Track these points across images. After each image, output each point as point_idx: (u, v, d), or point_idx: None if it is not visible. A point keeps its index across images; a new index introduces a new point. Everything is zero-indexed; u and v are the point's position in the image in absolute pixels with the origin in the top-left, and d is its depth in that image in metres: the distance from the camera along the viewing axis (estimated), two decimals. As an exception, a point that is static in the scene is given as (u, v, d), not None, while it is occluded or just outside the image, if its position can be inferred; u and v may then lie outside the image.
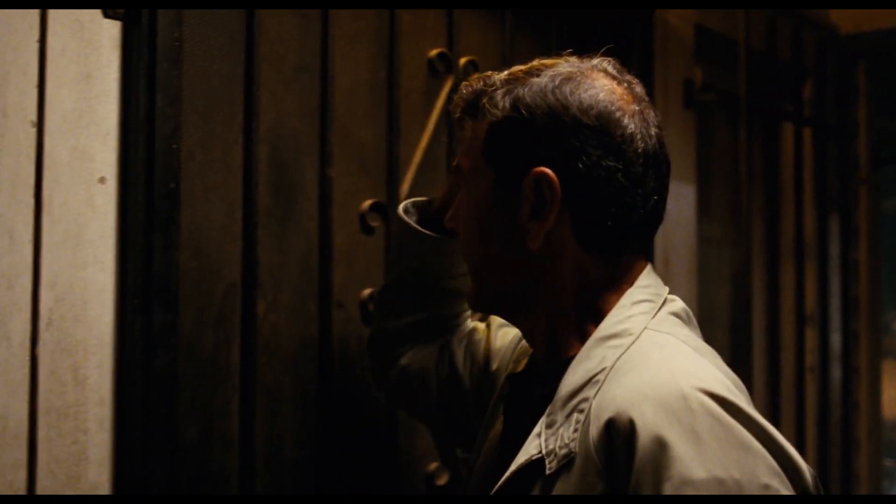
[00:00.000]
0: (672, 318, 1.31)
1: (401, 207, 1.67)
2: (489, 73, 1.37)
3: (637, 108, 1.31)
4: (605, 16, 2.57)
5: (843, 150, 3.74)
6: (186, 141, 1.66)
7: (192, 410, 1.69)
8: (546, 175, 1.27)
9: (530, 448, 1.24)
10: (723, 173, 3.29)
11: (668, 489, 1.09)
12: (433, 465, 2.08)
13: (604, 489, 1.15)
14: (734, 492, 1.08)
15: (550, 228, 1.29)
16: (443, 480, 2.07)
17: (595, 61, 1.35)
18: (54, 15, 1.52)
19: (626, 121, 1.29)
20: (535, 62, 1.35)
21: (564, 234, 1.30)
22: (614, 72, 1.35)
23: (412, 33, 2.08)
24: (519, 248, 1.32)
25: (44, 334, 1.50)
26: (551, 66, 1.33)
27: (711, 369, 1.21)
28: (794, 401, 3.43)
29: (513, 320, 1.45)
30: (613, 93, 1.31)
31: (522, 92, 1.30)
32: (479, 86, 1.36)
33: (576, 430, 1.19)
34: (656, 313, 1.29)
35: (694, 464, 1.09)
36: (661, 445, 1.11)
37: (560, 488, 1.19)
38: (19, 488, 1.47)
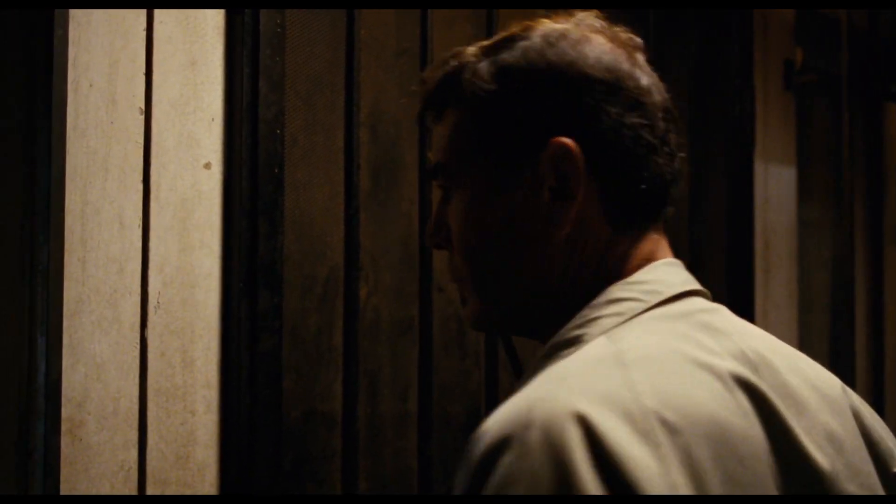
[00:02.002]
0: (659, 321, 1.01)
1: None
2: (459, 48, 1.13)
3: (642, 58, 1.12)
4: (703, -5, 2.53)
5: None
6: (290, 126, 1.67)
7: (296, 392, 1.71)
8: (563, 145, 1.04)
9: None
10: (823, 155, 3.22)
11: None
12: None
13: None
14: None
15: (581, 208, 1.06)
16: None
17: (581, 15, 1.13)
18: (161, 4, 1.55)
19: (637, 72, 1.09)
20: (516, 27, 1.12)
21: (593, 213, 1.07)
22: (607, 25, 1.13)
23: (511, 15, 2.07)
24: (543, 240, 1.07)
25: (153, 317, 1.53)
26: (538, 26, 1.11)
27: (610, 382, 0.90)
28: (897, 387, 3.35)
29: (531, 334, 1.15)
30: (616, 44, 1.11)
31: (512, 57, 1.08)
32: (453, 64, 1.12)
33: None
34: (641, 314, 1.01)
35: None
36: (486, 466, 0.88)
37: None
38: (130, 468, 1.51)
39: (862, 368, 3.20)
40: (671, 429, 0.87)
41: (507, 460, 0.85)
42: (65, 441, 1.42)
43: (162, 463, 1.54)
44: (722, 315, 1.04)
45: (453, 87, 1.11)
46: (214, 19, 1.61)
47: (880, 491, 1.02)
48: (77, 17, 1.45)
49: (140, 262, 1.53)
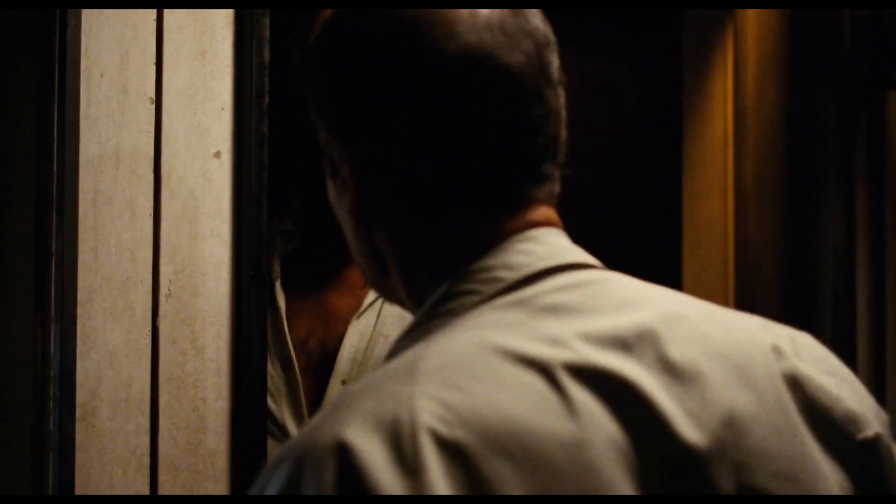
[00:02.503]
0: (491, 313, 0.89)
1: None
2: None
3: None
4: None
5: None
6: (298, 115, 1.69)
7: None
8: (325, 138, 1.05)
9: None
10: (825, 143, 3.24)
11: None
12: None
13: None
14: None
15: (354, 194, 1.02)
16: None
17: None
18: (171, -7, 1.56)
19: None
20: None
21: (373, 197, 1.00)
22: None
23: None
24: (350, 222, 1.07)
25: (164, 305, 1.55)
26: None
27: (395, 400, 0.79)
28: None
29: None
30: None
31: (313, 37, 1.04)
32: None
33: None
34: (475, 307, 0.90)
35: None
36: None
37: None
38: (143, 454, 1.52)
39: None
40: (452, 450, 0.77)
41: (276, 479, 0.78)
42: (78, 428, 1.44)
43: (173, 449, 1.56)
44: (598, 288, 0.91)
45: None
46: (223, 10, 1.62)
47: (805, 464, 0.88)
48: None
49: (151, 250, 1.54)
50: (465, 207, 0.94)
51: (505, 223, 0.94)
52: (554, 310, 0.87)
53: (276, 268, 1.69)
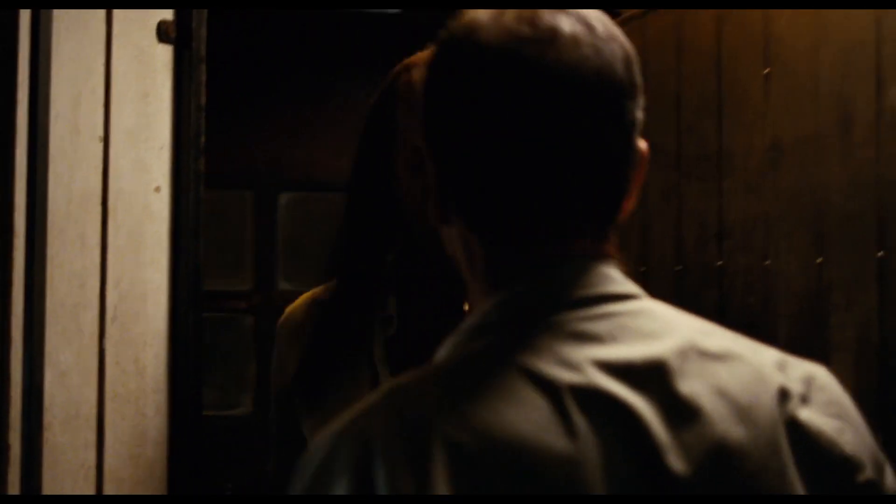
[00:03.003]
0: (522, 332, 0.99)
1: None
2: None
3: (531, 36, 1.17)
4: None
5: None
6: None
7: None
8: (417, 145, 1.12)
9: None
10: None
11: None
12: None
13: None
14: None
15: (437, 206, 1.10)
16: None
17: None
18: (118, 41, 1.69)
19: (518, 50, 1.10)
20: None
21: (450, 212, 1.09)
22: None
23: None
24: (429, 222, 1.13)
25: (110, 328, 1.68)
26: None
27: (415, 404, 0.93)
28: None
29: None
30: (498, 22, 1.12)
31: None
32: None
33: None
34: (513, 324, 1.01)
35: None
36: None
37: None
38: (90, 466, 1.65)
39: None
40: (454, 449, 0.87)
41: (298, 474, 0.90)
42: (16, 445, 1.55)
43: (117, 462, 1.68)
44: (625, 320, 0.98)
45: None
46: (164, 56, 1.76)
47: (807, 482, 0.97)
48: (45, 53, 1.58)
49: (99, 277, 1.66)
50: (528, 229, 0.98)
51: (561, 249, 1.00)
52: (579, 337, 0.93)
53: (379, 352, 1.58)
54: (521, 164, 0.95)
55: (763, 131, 2.20)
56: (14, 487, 1.53)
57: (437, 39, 0.98)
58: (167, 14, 1.76)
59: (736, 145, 2.29)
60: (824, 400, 0.98)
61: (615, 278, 0.98)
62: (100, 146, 1.67)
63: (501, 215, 0.97)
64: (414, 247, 1.47)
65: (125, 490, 1.69)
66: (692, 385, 0.93)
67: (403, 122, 1.40)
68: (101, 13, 1.67)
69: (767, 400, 0.95)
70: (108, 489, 1.67)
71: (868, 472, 0.96)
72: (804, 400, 0.97)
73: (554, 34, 0.93)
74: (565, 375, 0.89)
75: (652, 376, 0.92)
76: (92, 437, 1.66)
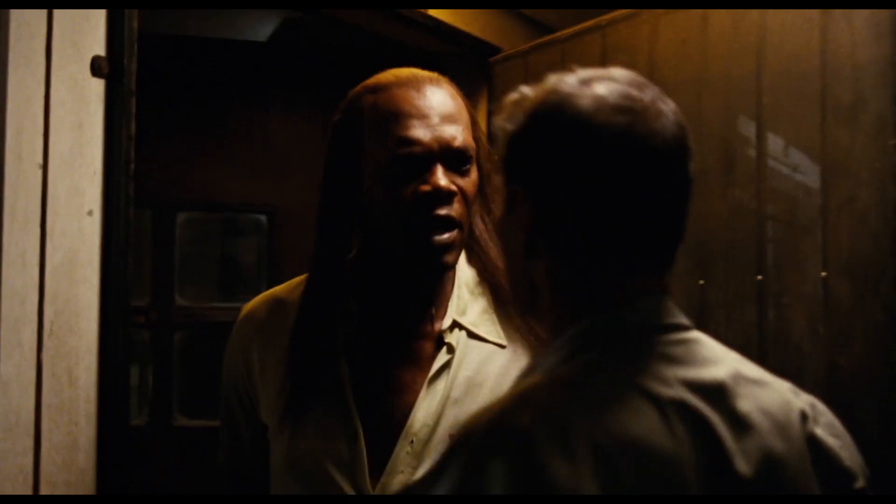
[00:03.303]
0: (624, 352, 1.19)
1: None
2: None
3: (630, 114, 1.26)
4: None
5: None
6: (160, 180, 1.97)
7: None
8: (517, 191, 1.28)
9: None
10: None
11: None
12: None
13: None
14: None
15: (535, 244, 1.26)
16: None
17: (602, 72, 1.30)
18: (56, 75, 1.82)
19: (614, 122, 1.22)
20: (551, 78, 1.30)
21: (546, 251, 1.26)
22: (622, 84, 1.26)
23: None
24: (517, 257, 1.31)
25: (47, 342, 1.79)
26: (555, 80, 1.30)
27: (553, 403, 1.11)
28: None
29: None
30: (601, 101, 1.24)
31: (519, 107, 1.29)
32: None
33: None
34: (613, 343, 1.21)
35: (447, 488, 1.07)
36: (447, 460, 1.10)
37: None
38: (28, 472, 1.76)
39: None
40: (595, 446, 1.05)
41: (462, 454, 1.05)
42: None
43: (52, 467, 1.80)
44: (692, 346, 1.18)
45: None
46: (97, 89, 1.89)
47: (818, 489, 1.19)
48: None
49: (38, 294, 1.78)
50: (613, 265, 1.17)
51: (636, 283, 1.18)
52: (667, 358, 1.14)
53: (340, 343, 1.67)
54: (622, 217, 1.15)
55: None
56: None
57: (534, 105, 1.18)
58: (101, 50, 1.89)
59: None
60: (826, 422, 1.24)
61: (677, 310, 1.19)
62: (39, 172, 1.79)
63: (601, 255, 1.16)
64: (375, 250, 1.65)
65: (58, 493, 1.81)
66: (744, 404, 1.15)
67: (370, 141, 1.58)
68: (41, 48, 1.79)
69: (794, 419, 1.20)
70: (44, 492, 1.78)
71: (861, 482, 1.22)
72: (815, 421, 1.22)
73: (644, 107, 1.16)
74: (664, 390, 1.10)
75: (718, 395, 1.14)
76: (30, 443, 1.77)
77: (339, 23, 3.06)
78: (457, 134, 1.57)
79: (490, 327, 1.69)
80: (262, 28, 3.85)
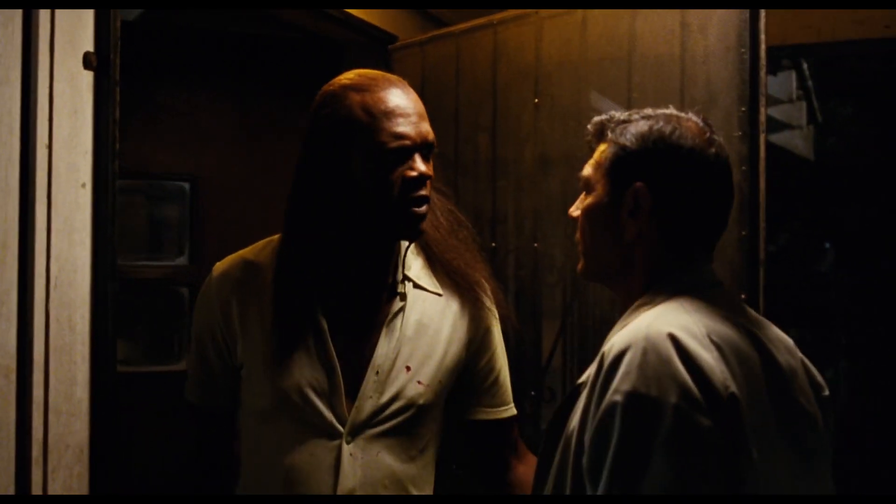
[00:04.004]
0: (696, 296, 1.62)
1: None
2: (613, 112, 1.80)
3: (714, 137, 1.73)
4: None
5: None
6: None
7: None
8: (641, 187, 1.66)
9: (582, 377, 1.64)
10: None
11: (609, 397, 1.45)
12: None
13: (586, 397, 1.53)
14: (642, 401, 1.41)
15: (642, 224, 1.66)
16: None
17: (681, 113, 1.74)
18: (57, 69, 2.15)
19: (710, 149, 1.69)
20: (645, 110, 1.75)
21: (652, 230, 1.67)
22: (698, 120, 1.73)
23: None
24: (616, 236, 1.70)
25: (52, 294, 2.14)
26: (654, 113, 1.73)
27: (684, 320, 1.53)
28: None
29: (611, 288, 1.81)
30: (697, 129, 1.70)
31: (642, 128, 1.69)
32: (605, 118, 1.78)
33: (596, 361, 1.56)
34: (679, 294, 1.63)
35: (626, 379, 1.44)
36: (616, 363, 1.47)
37: (578, 403, 1.58)
38: (40, 402, 2.10)
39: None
40: (716, 345, 1.49)
41: (628, 357, 1.45)
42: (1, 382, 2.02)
43: (57, 398, 2.15)
44: (730, 295, 1.73)
45: (601, 133, 1.77)
46: (88, 80, 2.23)
47: (812, 400, 1.65)
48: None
49: (45, 254, 2.13)
50: (699, 244, 1.69)
51: (706, 256, 1.70)
52: (726, 300, 1.65)
53: (321, 312, 2.05)
54: (711, 213, 1.68)
55: (534, 147, 2.86)
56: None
57: (650, 131, 1.67)
58: (90, 46, 2.23)
59: (509, 156, 2.95)
60: (796, 350, 1.72)
61: (715, 274, 1.73)
62: (46, 152, 2.13)
63: (694, 236, 1.68)
64: (354, 221, 2.01)
65: (62, 419, 2.16)
66: (770, 331, 1.67)
67: (362, 135, 1.93)
68: (47, 47, 2.13)
69: (793, 346, 1.69)
70: (52, 419, 2.14)
71: (826, 392, 1.70)
72: (797, 350, 1.71)
73: (712, 137, 1.69)
74: (733, 316, 1.60)
75: (758, 323, 1.66)
76: (41, 378, 2.12)
77: (260, 13, 3.42)
78: (430, 129, 1.99)
79: (428, 280, 2.13)
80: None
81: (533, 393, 2.86)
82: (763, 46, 2.34)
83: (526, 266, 2.88)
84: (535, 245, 2.87)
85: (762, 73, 2.33)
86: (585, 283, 2.76)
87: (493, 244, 2.99)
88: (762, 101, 2.32)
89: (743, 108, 2.34)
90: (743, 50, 2.37)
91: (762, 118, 2.32)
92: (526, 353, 2.80)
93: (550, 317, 2.88)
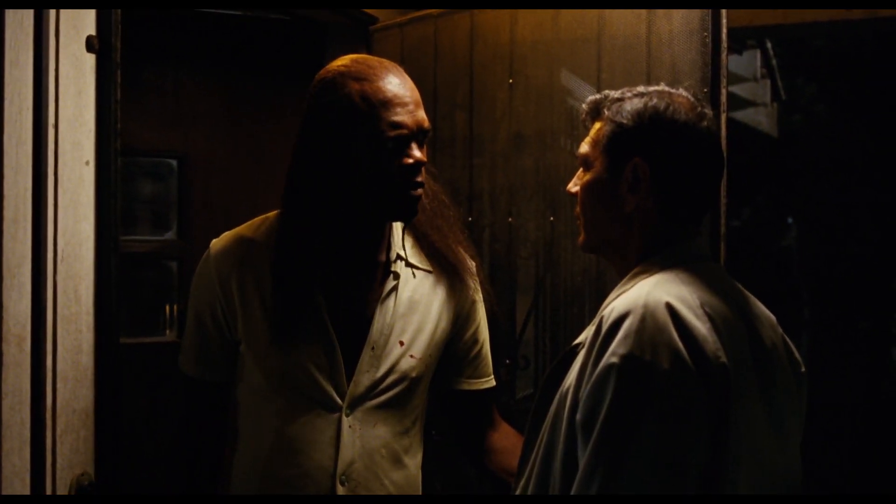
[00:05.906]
0: (689, 267, 1.68)
1: None
2: (607, 91, 1.86)
3: (705, 112, 1.79)
4: None
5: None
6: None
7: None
8: (641, 163, 1.72)
9: (579, 338, 1.72)
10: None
11: (607, 358, 1.50)
12: None
13: (583, 357, 1.59)
14: (637, 365, 1.47)
15: (641, 199, 1.72)
16: None
17: (672, 89, 1.81)
18: (63, 52, 2.27)
19: (701, 123, 1.74)
20: (637, 87, 1.82)
21: (650, 204, 1.73)
22: (689, 95, 1.80)
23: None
24: (616, 210, 1.75)
25: (60, 267, 2.27)
26: (647, 90, 1.80)
27: (680, 290, 1.59)
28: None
29: (609, 259, 1.86)
30: (689, 104, 1.76)
31: (631, 106, 1.75)
32: (600, 97, 1.83)
33: (593, 323, 1.63)
34: (678, 265, 1.69)
35: (624, 343, 1.49)
36: (615, 327, 1.52)
37: (574, 362, 1.64)
38: (49, 368, 2.24)
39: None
40: (709, 316, 1.55)
41: (627, 322, 1.51)
42: (11, 351, 2.15)
43: (64, 366, 2.28)
44: (717, 268, 1.77)
45: (597, 110, 1.81)
46: (91, 62, 2.35)
47: (790, 376, 1.71)
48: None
49: (53, 229, 2.25)
50: (692, 216, 1.76)
51: (696, 228, 1.77)
52: (715, 273, 1.72)
53: (323, 291, 2.14)
54: (704, 185, 1.75)
55: (508, 125, 2.98)
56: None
57: (645, 108, 1.73)
58: (92, 30, 2.36)
59: (485, 133, 3.07)
60: (778, 326, 1.80)
61: (704, 248, 1.81)
62: (53, 131, 2.25)
63: (689, 209, 1.74)
64: (353, 203, 2.11)
65: (69, 385, 2.30)
66: (752, 307, 1.73)
67: (362, 123, 2.02)
68: (52, 31, 2.25)
69: (775, 323, 1.77)
70: (59, 385, 2.27)
71: (803, 368, 1.76)
72: (778, 326, 1.80)
73: (703, 111, 1.76)
74: (730, 294, 1.67)
75: (743, 298, 1.73)
76: (51, 346, 2.25)
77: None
78: (425, 116, 2.10)
79: (418, 258, 2.27)
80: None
81: (508, 361, 3.00)
82: (724, 30, 2.48)
83: (501, 240, 3.01)
84: (510, 220, 2.99)
85: (723, 55, 2.47)
86: (557, 257, 2.89)
87: (470, 219, 3.11)
88: (723, 82, 2.47)
89: (705, 89, 2.48)
90: (705, 33, 2.50)
91: (723, 98, 2.47)
92: (502, 324, 2.93)
93: (524, 290, 3.00)
